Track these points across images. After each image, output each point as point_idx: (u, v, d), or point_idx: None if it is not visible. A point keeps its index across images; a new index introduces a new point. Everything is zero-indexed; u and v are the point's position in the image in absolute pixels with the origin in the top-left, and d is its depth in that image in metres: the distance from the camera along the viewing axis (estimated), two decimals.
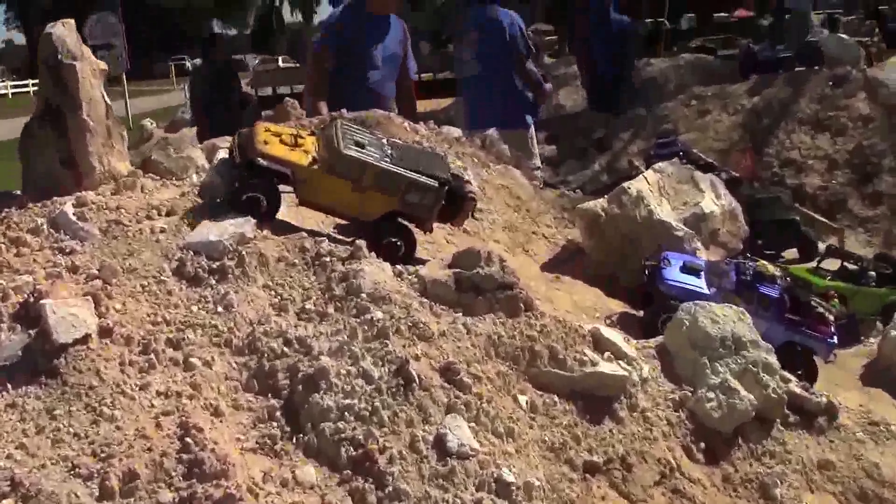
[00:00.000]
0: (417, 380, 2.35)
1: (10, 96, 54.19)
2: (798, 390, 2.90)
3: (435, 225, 3.04)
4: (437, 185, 2.91)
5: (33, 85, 55.05)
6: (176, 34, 71.23)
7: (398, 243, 2.94)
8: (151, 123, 15.71)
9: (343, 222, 3.14)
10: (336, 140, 2.86)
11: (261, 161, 2.83)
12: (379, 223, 2.94)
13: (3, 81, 58.15)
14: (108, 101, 3.25)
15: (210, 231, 2.73)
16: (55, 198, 2.98)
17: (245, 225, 2.76)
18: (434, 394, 2.35)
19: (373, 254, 2.82)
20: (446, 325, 2.58)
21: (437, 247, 3.22)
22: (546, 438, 2.45)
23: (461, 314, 2.66)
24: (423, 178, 2.89)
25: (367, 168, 2.84)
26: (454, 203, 3.02)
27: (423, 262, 2.99)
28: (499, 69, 7.01)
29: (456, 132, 4.53)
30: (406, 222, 2.98)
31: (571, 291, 3.30)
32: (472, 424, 2.33)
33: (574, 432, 2.51)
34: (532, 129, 7.07)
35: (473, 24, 7.32)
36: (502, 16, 6.99)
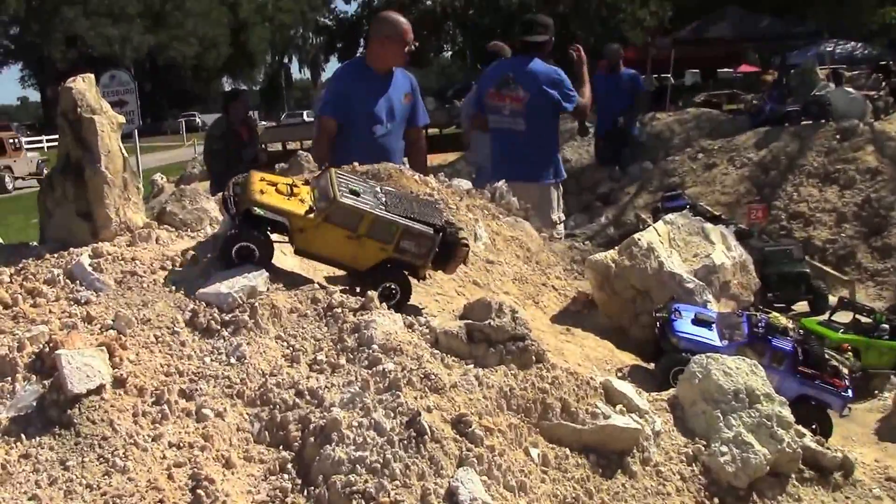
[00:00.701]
0: (429, 432, 2.33)
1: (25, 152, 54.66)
2: (813, 445, 2.87)
3: (440, 276, 3.05)
4: (431, 232, 2.91)
5: (47, 140, 55.81)
6: (186, 92, 72.03)
7: (394, 289, 2.94)
8: (162, 178, 15.82)
9: (335, 272, 3.14)
10: (331, 188, 2.87)
11: (257, 210, 2.84)
12: (374, 270, 2.93)
13: (17, 137, 58.66)
14: (125, 154, 3.29)
15: (222, 283, 2.74)
16: (72, 249, 3.01)
17: (257, 278, 2.78)
18: (446, 446, 2.34)
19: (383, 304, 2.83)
20: (458, 376, 2.57)
21: (448, 298, 3.22)
22: (558, 492, 2.43)
23: (473, 366, 2.65)
24: (418, 226, 2.90)
25: (364, 216, 2.85)
26: (447, 250, 3.01)
27: (417, 310, 3.00)
28: (544, 124, 7.10)
29: (466, 185, 4.56)
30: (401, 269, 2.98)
31: (582, 344, 3.29)
32: (484, 478, 2.31)
33: (586, 486, 2.49)
34: (558, 183, 7.14)
35: (513, 79, 7.37)
36: (548, 70, 7.08)
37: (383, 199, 2.93)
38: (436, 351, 2.66)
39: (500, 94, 7.53)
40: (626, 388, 2.81)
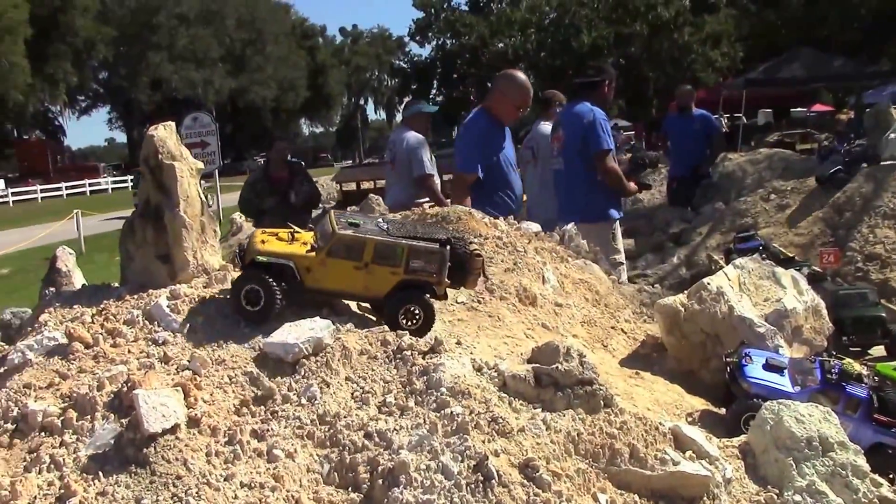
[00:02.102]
0: (497, 476, 2.31)
1: (111, 191, 56.52)
2: (890, 495, 2.76)
3: (509, 319, 3.02)
4: (437, 246, 2.90)
5: (132, 181, 57.45)
6: (266, 133, 73.60)
7: (415, 311, 2.93)
8: (240, 217, 16.13)
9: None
10: (331, 224, 2.90)
11: (260, 258, 2.88)
12: (391, 295, 2.93)
13: (104, 177, 60.73)
14: (203, 199, 3.36)
15: (289, 333, 2.77)
16: (151, 290, 3.08)
17: (324, 330, 2.79)
18: (513, 491, 2.31)
19: (449, 350, 2.82)
20: (525, 420, 2.55)
21: (517, 341, 3.20)
22: None
23: (540, 409, 2.62)
24: (422, 243, 2.89)
25: (366, 243, 2.86)
26: (462, 263, 3.00)
27: (486, 353, 2.98)
28: (579, 165, 7.07)
29: (535, 227, 4.55)
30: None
31: (651, 388, 3.24)
32: None
33: None
34: (616, 222, 7.09)
35: (562, 120, 7.47)
36: (584, 111, 7.08)
37: (385, 227, 2.94)
38: (504, 394, 2.64)
39: (553, 136, 7.66)
40: (696, 433, 2.75)
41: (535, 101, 8.81)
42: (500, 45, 38.45)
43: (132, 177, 40.74)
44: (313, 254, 2.88)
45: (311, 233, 3.06)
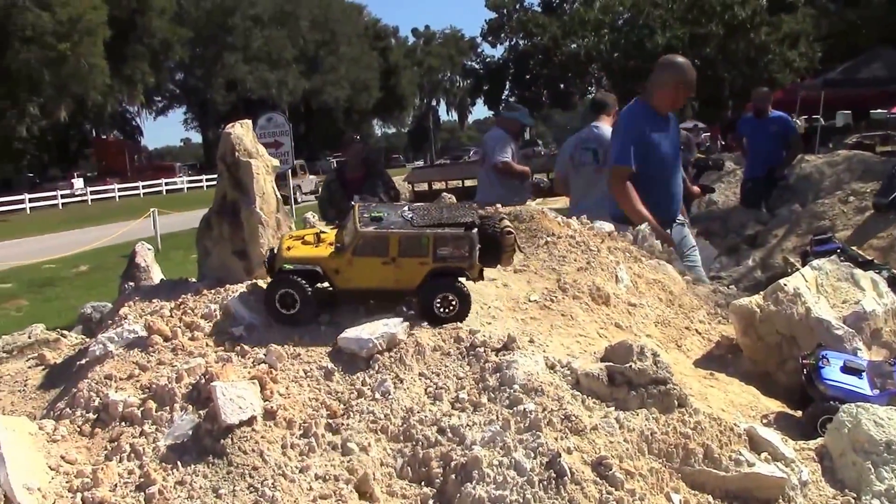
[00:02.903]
0: (569, 473, 2.30)
1: (186, 190, 57.68)
2: None
3: (582, 318, 3.00)
4: (462, 230, 2.88)
5: (207, 180, 58.60)
6: (339, 133, 74.41)
7: (451, 299, 2.92)
8: (314, 216, 16.33)
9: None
10: (353, 222, 2.90)
11: (287, 266, 2.90)
12: (423, 286, 2.91)
13: (180, 177, 62.03)
14: (279, 196, 3.42)
15: (363, 329, 2.80)
16: (227, 285, 3.14)
17: (397, 326, 2.82)
18: (586, 488, 2.30)
19: (521, 347, 2.82)
20: (598, 418, 2.54)
21: (590, 340, 3.19)
22: None
23: (613, 408, 2.61)
24: (448, 229, 2.87)
25: (389, 238, 2.85)
26: (493, 243, 2.98)
27: (559, 351, 2.97)
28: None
29: (608, 227, 4.51)
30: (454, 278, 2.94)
31: (726, 389, 3.19)
32: None
33: None
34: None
35: None
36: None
37: (409, 217, 2.92)
38: (576, 392, 2.64)
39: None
40: (772, 435, 2.71)
41: (591, 104, 8.74)
42: (573, 45, 38.15)
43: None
44: (339, 255, 2.89)
45: (335, 232, 3.07)
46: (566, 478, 2.30)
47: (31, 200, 47.43)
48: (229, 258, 3.25)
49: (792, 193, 11.46)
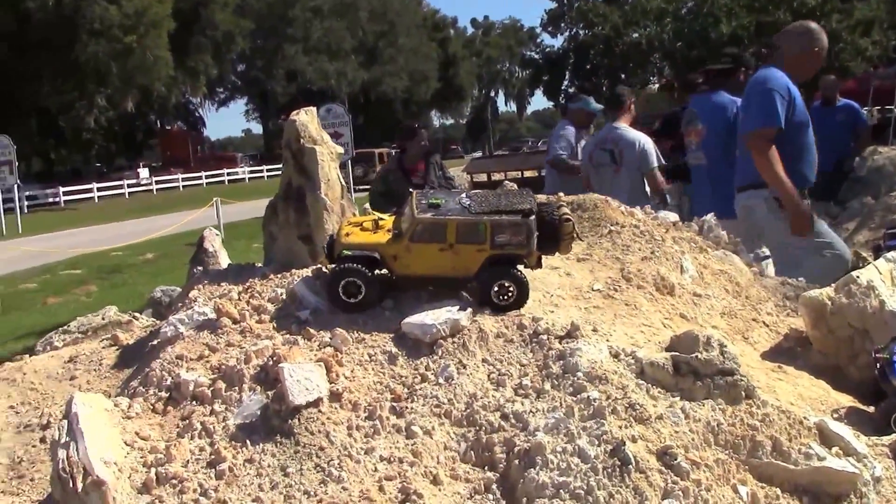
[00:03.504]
0: (634, 462, 2.31)
1: (247, 180, 58.53)
2: None
3: (646, 307, 2.98)
4: (520, 217, 2.87)
5: (268, 170, 59.36)
6: (397, 124, 74.63)
7: (508, 286, 2.92)
8: (368, 210, 16.43)
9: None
10: (411, 209, 2.91)
11: (346, 252, 2.92)
12: (481, 273, 2.92)
13: (241, 167, 62.93)
14: (343, 182, 3.47)
15: (427, 315, 2.83)
16: (293, 270, 3.19)
17: (460, 312, 2.84)
18: (651, 477, 2.30)
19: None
20: (663, 408, 2.53)
21: (654, 330, 3.17)
22: None
23: (679, 398, 2.60)
24: (504, 217, 2.87)
25: (447, 224, 2.86)
26: (551, 230, 2.98)
27: (623, 340, 2.96)
28: (722, 157, 6.90)
29: (673, 216, 4.48)
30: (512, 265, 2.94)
31: (795, 382, 3.15)
32: None
33: None
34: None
35: (698, 111, 7.29)
36: (727, 103, 6.88)
37: (467, 203, 2.92)
38: (641, 382, 2.63)
39: (688, 130, 7.43)
40: (843, 430, 2.67)
41: (607, 100, 8.66)
42: (635, 35, 37.75)
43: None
44: (397, 241, 2.92)
45: (395, 218, 3.09)
46: (630, 466, 2.30)
47: (98, 189, 48.58)
48: (295, 243, 3.31)
49: (863, 186, 11.23)
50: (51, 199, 45.60)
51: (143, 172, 57.71)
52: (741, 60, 7.12)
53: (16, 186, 30.54)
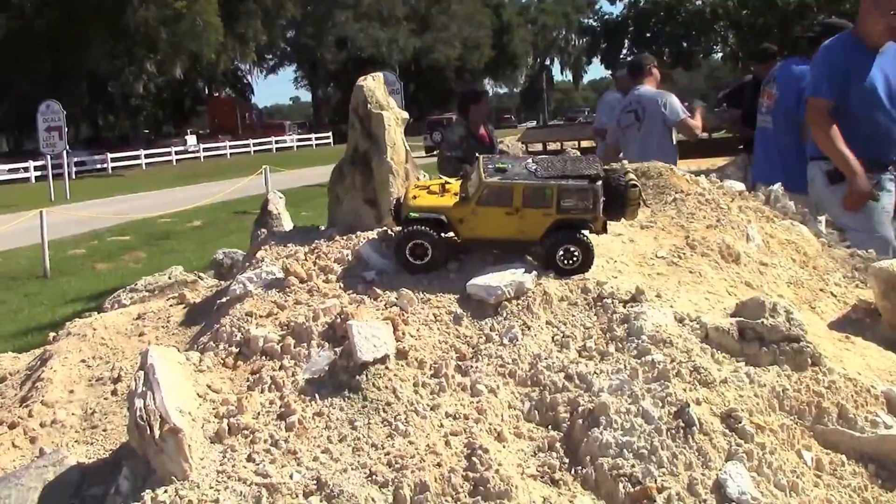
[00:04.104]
0: (698, 424, 2.39)
1: (296, 149, 58.93)
2: None
3: (711, 275, 3.03)
4: (587, 182, 2.95)
5: (317, 139, 59.68)
6: (449, 92, 74.62)
7: (573, 251, 2.99)
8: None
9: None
10: (478, 173, 3.00)
11: (413, 214, 3.02)
12: (547, 237, 3.00)
13: (290, 135, 63.34)
14: (408, 147, 3.56)
15: (492, 277, 2.92)
16: (359, 232, 3.31)
17: (525, 275, 2.93)
18: (714, 439, 2.38)
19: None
20: (728, 372, 2.60)
21: (719, 298, 3.23)
22: (832, 498, 2.38)
23: (744, 364, 2.66)
24: (571, 182, 2.95)
25: (514, 188, 2.95)
26: (618, 196, 3.06)
27: (687, 305, 3.01)
28: (789, 128, 6.85)
29: (739, 186, 4.51)
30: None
31: (863, 353, 3.18)
32: (754, 474, 2.33)
33: (864, 496, 2.42)
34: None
35: (774, 78, 7.24)
36: (801, 73, 6.79)
37: (533, 168, 3.00)
38: (706, 346, 2.70)
39: (764, 91, 7.39)
40: None
41: (628, 69, 8.73)
42: (699, 2, 37.27)
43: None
44: (464, 205, 3.01)
45: (460, 182, 3.18)
46: (694, 427, 2.38)
47: (146, 157, 49.43)
48: (360, 206, 3.42)
49: None
50: (98, 166, 46.52)
51: (191, 140, 58.48)
52: (834, 29, 6.98)
53: (65, 152, 31.14)
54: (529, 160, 3.09)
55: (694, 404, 2.44)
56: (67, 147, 31.48)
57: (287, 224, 4.09)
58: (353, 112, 3.48)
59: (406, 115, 3.62)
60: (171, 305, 3.54)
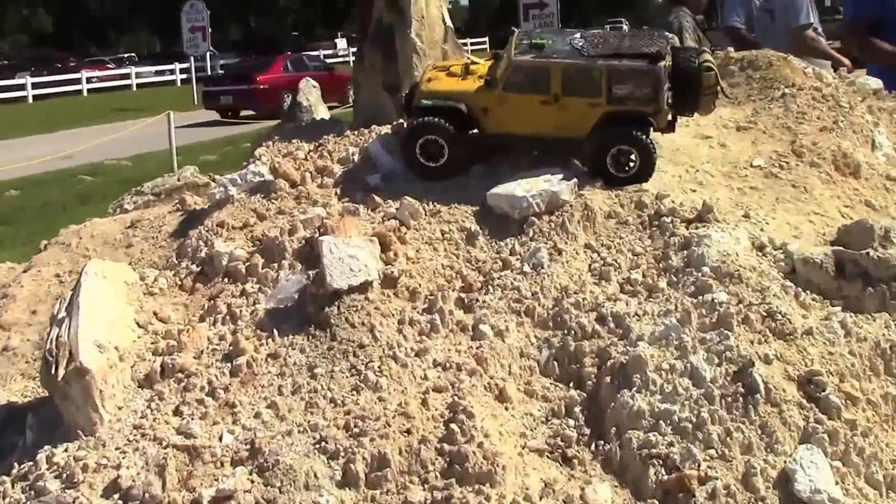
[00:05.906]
0: (764, 390, 1.85)
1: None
2: None
3: (820, 191, 2.42)
4: (645, 63, 2.33)
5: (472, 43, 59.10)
6: None
7: (628, 152, 2.38)
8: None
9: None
10: (508, 50, 2.40)
11: (425, 102, 2.44)
12: (595, 134, 2.39)
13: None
14: (449, 24, 3.01)
15: (519, 185, 2.38)
16: (374, 126, 2.80)
17: (561, 183, 2.36)
18: (786, 413, 1.85)
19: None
20: (816, 321, 2.04)
21: (828, 220, 2.62)
22: None
23: (840, 308, 2.10)
24: (626, 62, 2.33)
25: (551, 69, 2.34)
26: (688, 82, 2.42)
27: (774, 227, 2.40)
28: None
29: (875, 83, 3.78)
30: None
31: None
32: (838, 464, 1.80)
33: None
34: None
35: None
36: None
37: (579, 45, 2.39)
38: (790, 284, 2.15)
39: None
40: None
41: None
42: None
43: None
44: (489, 90, 2.43)
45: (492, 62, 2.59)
46: (759, 395, 1.86)
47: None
48: (381, 94, 2.95)
49: None
50: None
51: (341, 43, 58.51)
52: None
53: (208, 54, 31.00)
54: (577, 34, 2.48)
55: (761, 363, 1.92)
56: (211, 48, 31.32)
57: (320, 117, 3.61)
58: None
59: None
60: (169, 212, 3.13)
